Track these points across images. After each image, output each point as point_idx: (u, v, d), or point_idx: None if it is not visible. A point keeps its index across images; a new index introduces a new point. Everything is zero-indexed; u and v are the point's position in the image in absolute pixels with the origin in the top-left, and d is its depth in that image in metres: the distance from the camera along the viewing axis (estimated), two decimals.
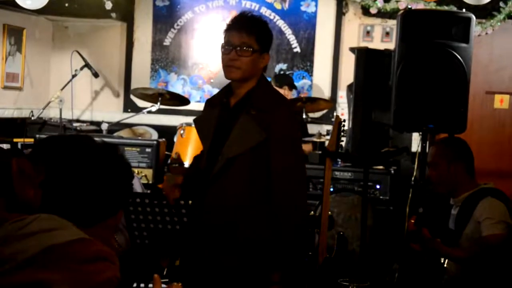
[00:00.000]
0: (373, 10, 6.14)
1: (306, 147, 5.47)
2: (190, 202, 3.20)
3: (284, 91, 5.77)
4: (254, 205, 2.80)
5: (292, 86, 5.96)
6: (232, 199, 2.81)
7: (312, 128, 5.90)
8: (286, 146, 2.80)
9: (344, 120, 3.97)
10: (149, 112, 5.80)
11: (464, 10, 5.42)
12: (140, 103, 6.29)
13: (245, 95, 2.86)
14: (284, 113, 2.85)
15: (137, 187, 3.99)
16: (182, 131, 5.28)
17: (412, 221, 3.53)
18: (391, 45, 5.54)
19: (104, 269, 1.66)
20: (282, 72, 6.35)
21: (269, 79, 6.12)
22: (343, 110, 6.30)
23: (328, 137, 4.49)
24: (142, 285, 3.84)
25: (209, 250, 2.87)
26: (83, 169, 1.79)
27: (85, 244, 1.67)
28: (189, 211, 3.02)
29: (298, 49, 6.48)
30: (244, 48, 2.79)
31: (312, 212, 3.86)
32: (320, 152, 5.10)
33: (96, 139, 1.89)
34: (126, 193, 1.93)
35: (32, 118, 6.04)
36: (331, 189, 4.63)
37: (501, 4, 5.90)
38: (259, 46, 2.82)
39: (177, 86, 6.51)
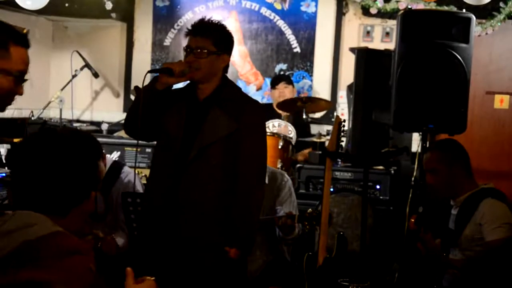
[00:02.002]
0: (373, 10, 6.14)
1: (302, 156, 5.40)
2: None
3: (280, 89, 5.75)
4: (225, 189, 3.09)
5: (289, 81, 5.92)
6: (205, 184, 3.08)
7: (312, 128, 5.90)
8: (255, 135, 3.15)
9: (344, 120, 3.97)
10: None
11: (464, 10, 5.42)
12: None
13: (214, 90, 3.17)
14: (253, 106, 3.20)
15: (138, 187, 3.99)
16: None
17: (413, 220, 3.53)
18: (391, 45, 5.54)
19: (79, 262, 1.67)
20: (282, 73, 6.35)
21: (268, 80, 6.19)
22: (343, 110, 6.30)
23: (328, 137, 4.50)
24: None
25: (184, 227, 3.10)
26: (45, 159, 1.79)
27: (59, 238, 1.68)
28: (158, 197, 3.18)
29: (298, 49, 6.48)
30: (201, 51, 3.10)
31: (311, 209, 3.85)
32: (320, 152, 5.10)
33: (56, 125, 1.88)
34: (95, 174, 1.87)
35: (32, 118, 6.04)
36: (331, 189, 4.63)
37: (501, 4, 5.90)
38: (216, 48, 3.12)
39: (177, 86, 6.50)
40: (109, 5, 6.13)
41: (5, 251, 1.63)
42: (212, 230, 3.09)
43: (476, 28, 4.78)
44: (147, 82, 3.18)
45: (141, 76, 3.17)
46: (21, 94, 2.26)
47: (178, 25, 6.61)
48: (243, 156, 3.10)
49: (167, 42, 6.62)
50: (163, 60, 6.59)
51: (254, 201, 3.15)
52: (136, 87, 3.21)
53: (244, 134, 3.10)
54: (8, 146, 5.45)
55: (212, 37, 3.12)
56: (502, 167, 6.19)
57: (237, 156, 3.09)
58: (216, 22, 3.20)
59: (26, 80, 2.25)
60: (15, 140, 5.64)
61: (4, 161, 5.28)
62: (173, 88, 3.23)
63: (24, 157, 1.80)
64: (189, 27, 3.20)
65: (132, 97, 6.39)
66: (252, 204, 3.14)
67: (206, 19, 3.19)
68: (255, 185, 3.14)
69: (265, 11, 6.49)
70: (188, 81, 3.23)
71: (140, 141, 5.23)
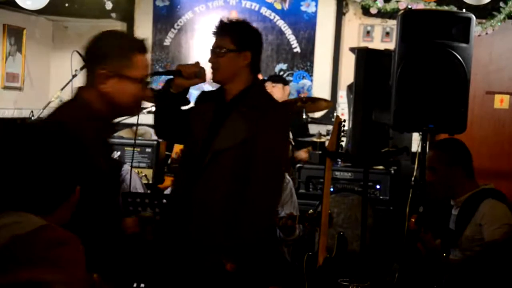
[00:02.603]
0: (373, 10, 6.14)
1: (303, 154, 5.43)
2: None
3: (268, 89, 5.74)
4: (235, 198, 2.92)
5: (277, 80, 5.90)
6: (217, 190, 2.95)
7: (312, 128, 5.90)
8: (272, 141, 2.95)
9: (344, 120, 3.97)
10: (149, 112, 5.80)
11: (464, 10, 5.42)
12: None
13: (240, 92, 3.03)
14: (275, 111, 3.03)
15: (139, 187, 4.00)
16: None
17: (413, 220, 3.53)
18: (391, 45, 5.54)
19: (71, 252, 1.68)
20: (282, 73, 6.35)
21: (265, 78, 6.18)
22: (343, 110, 6.30)
23: (328, 137, 4.49)
24: (142, 285, 3.84)
25: (192, 229, 2.98)
26: (26, 159, 1.74)
27: (48, 231, 1.69)
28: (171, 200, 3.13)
29: (298, 49, 6.48)
30: (217, 50, 3.02)
31: (311, 210, 3.85)
32: (320, 152, 5.10)
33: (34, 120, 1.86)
34: (79, 170, 1.84)
35: (32, 118, 6.04)
36: (331, 189, 4.62)
37: (501, 4, 5.90)
38: (235, 46, 3.00)
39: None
40: (109, 5, 6.13)
41: None
42: (219, 234, 2.94)
43: (476, 28, 4.78)
44: (155, 85, 3.15)
45: None
46: (148, 96, 2.49)
47: (178, 25, 6.61)
48: (257, 162, 2.93)
49: (167, 42, 6.62)
50: (163, 60, 6.59)
51: (262, 211, 2.94)
52: (153, 90, 3.16)
53: (260, 140, 2.93)
54: None
55: (230, 35, 3.02)
56: (502, 167, 6.19)
57: (251, 162, 2.93)
58: (236, 19, 3.10)
59: (149, 82, 2.47)
60: None
61: None
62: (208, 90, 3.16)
63: (3, 158, 1.74)
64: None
65: None
66: (260, 214, 2.92)
67: (225, 18, 3.09)
68: (266, 194, 2.94)
69: (265, 11, 6.49)
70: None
71: (140, 141, 5.24)
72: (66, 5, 6.01)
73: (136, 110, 2.53)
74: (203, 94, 3.21)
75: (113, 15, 6.36)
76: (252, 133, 2.93)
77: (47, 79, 6.74)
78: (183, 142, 3.26)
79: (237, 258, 2.89)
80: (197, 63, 3.05)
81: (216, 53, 3.02)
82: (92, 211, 2.21)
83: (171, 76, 3.07)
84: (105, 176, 2.38)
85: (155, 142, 5.13)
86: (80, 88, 2.47)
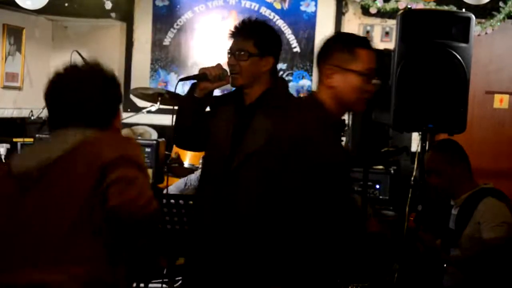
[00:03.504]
0: (372, 10, 6.14)
1: None
2: (190, 202, 3.21)
3: None
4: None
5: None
6: (251, 191, 2.78)
7: None
8: None
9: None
10: (149, 112, 5.80)
11: (463, 10, 5.42)
12: (140, 103, 6.28)
13: (261, 95, 2.96)
14: (298, 111, 2.92)
15: None
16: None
17: (412, 218, 3.53)
18: (390, 45, 5.54)
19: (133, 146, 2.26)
20: (281, 72, 6.35)
21: None
22: None
23: None
24: (142, 285, 3.84)
25: (220, 247, 2.87)
26: (86, 84, 2.29)
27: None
28: (194, 208, 3.05)
29: (297, 49, 6.48)
30: (241, 53, 2.91)
31: None
32: None
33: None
34: (120, 95, 2.37)
35: (32, 118, 6.04)
36: None
37: (501, 4, 5.90)
38: (258, 50, 2.92)
39: (174, 84, 6.50)
40: (108, 5, 6.13)
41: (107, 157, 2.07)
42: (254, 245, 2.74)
43: (475, 28, 4.77)
44: (179, 90, 3.05)
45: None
46: (371, 90, 2.55)
47: (177, 25, 6.61)
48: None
49: (166, 41, 6.62)
50: (163, 59, 6.59)
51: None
52: (177, 96, 3.10)
53: None
54: (8, 146, 5.45)
55: (253, 38, 2.92)
56: (502, 167, 6.18)
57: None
58: (260, 21, 3.02)
59: (374, 77, 2.56)
60: (15, 140, 5.64)
61: (3, 161, 5.28)
62: (222, 93, 3.07)
63: (67, 85, 2.30)
64: (231, 29, 3.00)
65: (132, 97, 6.39)
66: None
67: (249, 20, 2.98)
68: None
69: (264, 11, 6.49)
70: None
71: (140, 141, 5.23)
72: (66, 4, 6.01)
73: (361, 104, 2.60)
74: (217, 99, 3.10)
75: (113, 14, 6.36)
76: None
77: (46, 78, 6.73)
78: (200, 150, 3.20)
79: (281, 282, 2.56)
80: (219, 65, 2.96)
81: (238, 56, 2.92)
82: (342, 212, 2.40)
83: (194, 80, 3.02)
84: (347, 175, 2.55)
85: (154, 142, 5.12)
86: (313, 92, 2.64)
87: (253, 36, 2.92)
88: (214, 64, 2.97)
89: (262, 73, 2.95)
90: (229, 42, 3.01)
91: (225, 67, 2.99)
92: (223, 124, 2.98)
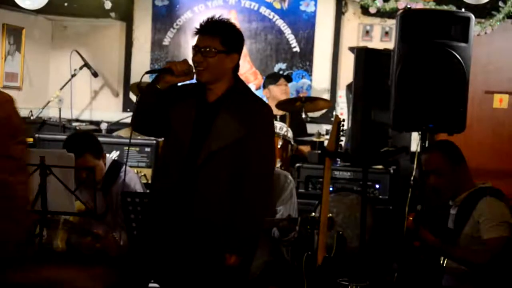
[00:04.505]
0: (372, 10, 6.14)
1: (305, 148, 5.46)
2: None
3: (281, 86, 5.78)
4: (232, 193, 3.00)
5: (288, 79, 5.96)
6: (213, 189, 3.01)
7: (311, 128, 5.90)
8: (263, 138, 3.06)
9: (344, 120, 3.97)
10: None
11: (463, 9, 5.41)
12: None
13: (225, 92, 3.07)
14: (263, 111, 3.10)
15: (138, 186, 4.00)
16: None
17: (411, 218, 3.53)
18: (390, 44, 5.53)
19: None
20: (281, 72, 6.35)
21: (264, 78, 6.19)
22: (342, 109, 6.30)
23: (328, 136, 4.49)
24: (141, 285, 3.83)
25: (189, 234, 3.02)
26: None
27: None
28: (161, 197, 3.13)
29: (297, 49, 6.48)
30: (207, 49, 3.00)
31: (313, 213, 3.86)
32: (319, 151, 5.10)
33: None
34: None
35: (31, 117, 6.04)
36: (331, 189, 4.62)
37: (500, 3, 5.91)
38: (225, 47, 3.02)
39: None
40: (108, 5, 6.13)
41: None
42: (220, 230, 3.01)
43: (475, 28, 4.77)
44: (145, 81, 3.16)
45: (140, 75, 3.15)
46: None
47: (177, 25, 6.61)
48: (250, 160, 3.01)
49: (166, 41, 6.62)
50: (163, 59, 6.59)
51: (259, 206, 3.06)
52: (138, 86, 3.20)
53: (252, 138, 3.01)
54: None
55: (220, 36, 3.01)
56: (501, 167, 6.18)
57: (244, 160, 3.00)
58: (225, 20, 3.11)
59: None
60: None
61: None
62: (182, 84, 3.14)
63: None
64: (198, 26, 3.10)
65: (132, 96, 6.40)
66: (257, 209, 3.05)
67: (215, 18, 3.08)
68: (261, 190, 3.06)
69: (264, 11, 6.49)
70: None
71: (139, 141, 5.24)
72: (65, 4, 6.01)
73: None
74: (177, 89, 3.15)
75: (112, 14, 6.36)
76: (243, 133, 3.00)
77: (46, 78, 6.74)
78: (160, 136, 3.30)
79: (242, 252, 2.99)
80: (186, 60, 3.06)
81: (205, 52, 3.01)
82: None
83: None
84: None
85: (154, 142, 5.13)
86: None
87: (220, 33, 3.02)
88: (181, 60, 3.07)
89: (227, 69, 3.06)
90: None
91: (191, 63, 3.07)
92: (184, 119, 3.07)
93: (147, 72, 3.16)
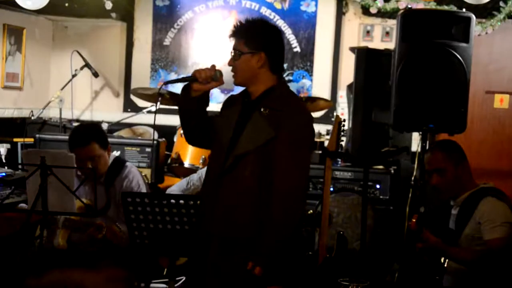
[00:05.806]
0: (373, 10, 6.13)
1: None
2: (191, 202, 3.23)
3: None
4: (260, 201, 2.89)
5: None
6: (239, 194, 2.91)
7: None
8: (293, 146, 2.90)
9: (344, 120, 3.97)
10: (149, 112, 5.80)
11: (464, 9, 5.42)
12: (140, 103, 6.29)
13: (262, 94, 3.01)
14: (296, 113, 2.98)
15: (142, 187, 4.00)
16: (182, 131, 5.27)
17: (414, 220, 3.52)
18: (391, 44, 5.53)
19: None
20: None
21: None
22: (343, 110, 6.29)
23: (328, 136, 4.50)
24: (142, 285, 3.83)
25: (215, 244, 2.96)
26: None
27: None
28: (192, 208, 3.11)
29: (298, 49, 6.47)
30: (234, 53, 3.02)
31: (311, 211, 3.85)
32: (320, 151, 5.10)
33: None
34: None
35: (32, 118, 6.04)
36: (331, 189, 4.63)
37: (501, 3, 5.90)
38: (249, 48, 2.99)
39: (177, 86, 6.50)
40: (109, 5, 6.12)
41: None
42: (245, 240, 2.91)
43: (476, 28, 4.78)
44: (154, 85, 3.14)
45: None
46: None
47: (178, 25, 6.61)
48: (279, 168, 2.88)
49: (167, 41, 6.62)
50: (163, 59, 6.59)
51: (288, 226, 2.90)
52: (174, 96, 3.15)
53: (281, 144, 2.88)
54: (8, 146, 5.45)
55: (244, 38, 3.00)
56: (502, 167, 6.18)
57: (273, 168, 2.88)
58: (249, 20, 3.07)
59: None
60: (15, 140, 5.64)
61: (4, 161, 5.28)
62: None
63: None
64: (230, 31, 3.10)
65: (132, 97, 6.39)
66: (286, 223, 2.88)
67: (243, 20, 3.06)
68: (290, 202, 2.88)
69: (265, 11, 6.49)
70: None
71: (140, 141, 5.24)
72: (66, 5, 6.00)
73: None
74: (230, 98, 3.17)
75: (113, 15, 6.36)
76: (272, 135, 2.89)
77: (47, 79, 6.74)
78: (210, 146, 3.20)
79: (266, 267, 2.88)
80: (213, 66, 3.01)
81: (234, 56, 3.02)
82: None
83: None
84: None
85: (155, 142, 5.14)
86: None
87: (243, 35, 3.01)
88: (209, 66, 3.01)
89: (257, 70, 3.00)
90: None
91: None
92: (227, 124, 3.02)
93: (167, 83, 3.13)
